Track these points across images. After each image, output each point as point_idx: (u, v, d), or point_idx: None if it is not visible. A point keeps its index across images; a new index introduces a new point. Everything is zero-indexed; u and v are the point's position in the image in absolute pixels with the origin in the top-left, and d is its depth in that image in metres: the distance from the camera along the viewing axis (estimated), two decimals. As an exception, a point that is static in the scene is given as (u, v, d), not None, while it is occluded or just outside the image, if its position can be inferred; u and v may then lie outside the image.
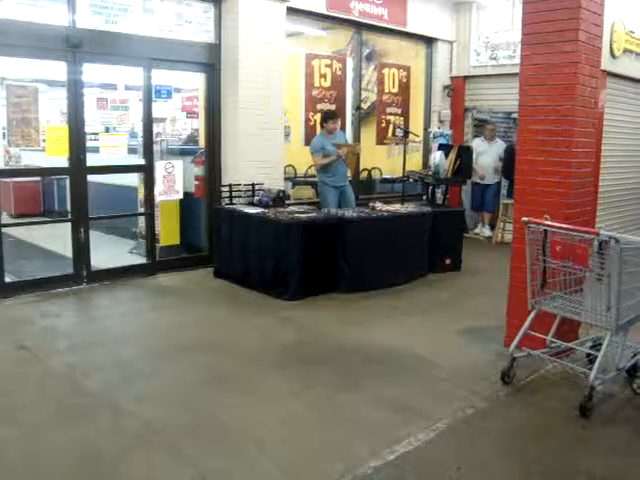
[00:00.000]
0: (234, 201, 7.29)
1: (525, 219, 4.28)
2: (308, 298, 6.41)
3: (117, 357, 4.82)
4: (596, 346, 4.50)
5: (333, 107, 8.91)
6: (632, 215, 10.81)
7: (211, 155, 7.70)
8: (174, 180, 7.33)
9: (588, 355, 4.62)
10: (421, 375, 4.61)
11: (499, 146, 10.04)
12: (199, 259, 7.69)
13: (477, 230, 10.37)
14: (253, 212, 6.84)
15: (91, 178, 6.77)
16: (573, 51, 4.55)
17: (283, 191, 7.47)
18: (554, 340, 4.53)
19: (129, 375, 4.49)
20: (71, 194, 6.78)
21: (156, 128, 7.89)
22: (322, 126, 7.97)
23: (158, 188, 7.26)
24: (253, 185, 7.42)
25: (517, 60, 9.67)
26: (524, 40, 4.82)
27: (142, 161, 7.13)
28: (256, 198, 7.31)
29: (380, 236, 6.88)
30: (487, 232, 10.28)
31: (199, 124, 8.17)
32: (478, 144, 10.11)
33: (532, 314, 4.44)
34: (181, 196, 7.49)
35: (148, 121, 7.04)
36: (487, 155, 10.01)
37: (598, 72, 4.89)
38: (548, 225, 4.17)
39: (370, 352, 5.04)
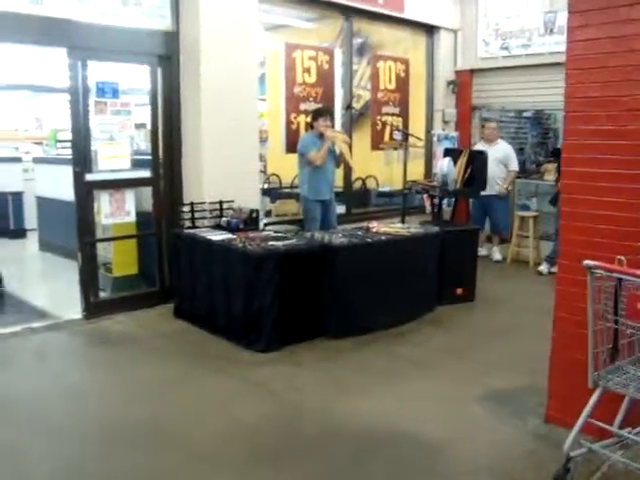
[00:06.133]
0: (197, 223, 5.96)
1: (589, 263, 2.90)
2: (286, 348, 5.08)
3: (13, 451, 3.46)
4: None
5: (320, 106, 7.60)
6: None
7: (169, 166, 6.33)
8: (124, 199, 5.99)
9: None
10: (434, 475, 3.29)
11: (500, 149, 8.43)
12: (157, 294, 6.32)
13: (484, 252, 8.63)
14: (217, 239, 5.49)
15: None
16: (647, 18, 3.22)
17: (257, 210, 6.11)
18: (619, 432, 3.19)
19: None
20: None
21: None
22: (311, 126, 6.88)
23: (104, 209, 5.92)
24: (220, 203, 6.08)
25: (532, 50, 8.64)
26: (573, 6, 3.47)
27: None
28: (224, 219, 5.98)
29: (377, 265, 5.55)
30: (497, 255, 8.72)
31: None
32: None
33: (596, 394, 3.08)
34: (132, 218, 6.13)
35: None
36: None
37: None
38: (626, 273, 2.82)
39: (365, 438, 3.71)
